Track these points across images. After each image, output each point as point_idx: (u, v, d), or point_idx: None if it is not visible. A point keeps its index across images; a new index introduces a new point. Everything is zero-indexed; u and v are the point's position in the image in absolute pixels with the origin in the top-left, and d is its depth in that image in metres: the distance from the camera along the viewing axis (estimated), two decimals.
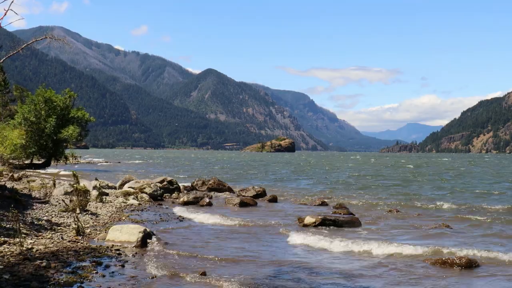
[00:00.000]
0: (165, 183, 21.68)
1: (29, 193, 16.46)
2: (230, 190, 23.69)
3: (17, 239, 9.38)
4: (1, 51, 16.61)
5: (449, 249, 10.15)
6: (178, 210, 16.67)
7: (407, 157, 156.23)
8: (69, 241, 9.96)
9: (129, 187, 20.92)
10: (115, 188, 22.28)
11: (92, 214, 14.07)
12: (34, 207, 13.84)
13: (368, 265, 9.14)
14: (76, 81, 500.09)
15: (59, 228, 11.29)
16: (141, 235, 10.19)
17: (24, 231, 10.21)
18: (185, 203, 18.37)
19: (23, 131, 38.48)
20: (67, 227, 11.55)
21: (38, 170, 38.16)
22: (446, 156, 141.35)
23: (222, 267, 8.63)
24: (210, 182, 23.88)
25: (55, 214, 13.12)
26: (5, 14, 12.84)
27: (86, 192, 14.63)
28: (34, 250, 8.85)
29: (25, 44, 15.38)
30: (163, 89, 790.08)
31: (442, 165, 69.57)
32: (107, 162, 66.12)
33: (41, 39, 15.89)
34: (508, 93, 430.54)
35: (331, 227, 13.23)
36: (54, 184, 19.35)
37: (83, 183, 17.69)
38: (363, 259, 9.70)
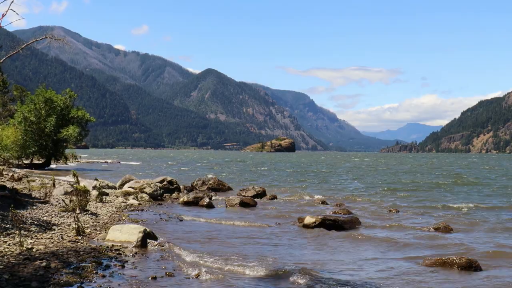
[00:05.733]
0: (165, 183, 21.67)
1: (29, 193, 16.44)
2: (230, 190, 23.69)
3: (17, 239, 9.38)
4: (1, 51, 16.59)
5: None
6: (178, 210, 16.67)
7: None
8: (69, 241, 9.95)
9: (129, 187, 20.90)
10: (115, 188, 22.26)
11: (92, 214, 14.06)
12: (34, 207, 13.83)
13: None
14: (76, 81, 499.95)
15: (59, 228, 11.28)
16: (141, 235, 10.18)
17: (24, 231, 10.20)
18: (185, 203, 18.36)
19: (17, 130, 38.43)
20: (67, 227, 11.53)
21: (38, 171, 38.10)
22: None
23: (221, 267, 8.62)
24: (210, 182, 23.87)
25: (55, 214, 13.11)
26: (5, 14, 12.83)
27: (86, 192, 14.62)
28: (34, 250, 8.84)
29: (25, 44, 15.35)
30: (163, 89, 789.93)
31: None
32: (106, 162, 66.06)
33: (41, 39, 15.87)
34: (508, 93, 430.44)
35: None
36: (54, 184, 19.34)
37: (83, 183, 17.67)
38: None
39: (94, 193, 17.48)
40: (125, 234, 10.40)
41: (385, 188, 27.08)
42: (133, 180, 22.76)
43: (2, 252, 8.49)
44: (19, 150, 38.81)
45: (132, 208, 16.43)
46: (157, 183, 20.98)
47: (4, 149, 37.54)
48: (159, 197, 19.77)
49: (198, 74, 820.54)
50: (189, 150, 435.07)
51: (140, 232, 10.27)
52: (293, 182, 31.63)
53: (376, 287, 7.66)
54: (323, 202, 19.33)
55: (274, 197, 20.30)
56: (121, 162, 66.75)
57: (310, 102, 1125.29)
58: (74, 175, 15.91)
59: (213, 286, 7.45)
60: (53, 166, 44.01)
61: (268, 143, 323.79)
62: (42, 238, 9.99)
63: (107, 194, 18.75)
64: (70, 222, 12.08)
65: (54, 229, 11.03)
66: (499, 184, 31.00)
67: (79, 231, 10.75)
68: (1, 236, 9.61)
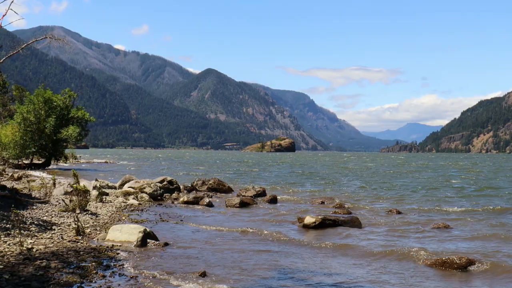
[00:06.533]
0: (165, 183, 21.67)
1: (29, 193, 16.45)
2: (230, 190, 23.70)
3: (17, 239, 9.38)
4: (1, 51, 16.60)
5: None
6: (178, 210, 16.68)
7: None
8: (69, 241, 9.96)
9: (129, 187, 20.89)
10: (115, 188, 22.26)
11: (92, 214, 14.06)
12: (34, 207, 13.83)
13: None
14: (76, 81, 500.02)
15: (59, 228, 11.29)
16: (141, 235, 10.18)
17: (24, 231, 10.21)
18: (185, 203, 18.36)
19: (15, 127, 38.43)
20: (67, 227, 11.54)
21: (38, 171, 38.07)
22: None
23: (220, 267, 8.63)
24: (210, 182, 23.86)
25: (55, 214, 13.11)
26: (5, 14, 12.84)
27: (86, 192, 14.62)
28: (34, 250, 8.85)
29: (25, 44, 15.37)
30: (163, 89, 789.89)
31: None
32: (107, 162, 66.06)
33: (41, 39, 15.89)
34: (508, 93, 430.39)
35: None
36: (54, 184, 19.33)
37: (83, 183, 17.67)
38: None
39: (94, 193, 17.48)
40: (125, 234, 10.40)
41: (385, 188, 27.06)
42: (133, 180, 22.75)
43: (2, 252, 8.49)
44: (18, 150, 38.79)
45: (132, 208, 16.43)
46: (157, 183, 20.97)
47: (3, 148, 37.52)
48: (159, 197, 19.76)
49: (198, 74, 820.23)
50: (189, 150, 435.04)
51: (140, 232, 10.28)
52: (293, 182, 31.62)
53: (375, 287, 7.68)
54: (323, 202, 19.33)
55: (274, 197, 20.29)
56: (121, 162, 66.76)
57: (310, 102, 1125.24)
58: (74, 175, 15.92)
59: (213, 286, 7.46)
60: (53, 166, 44.01)
61: (268, 143, 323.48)
62: (42, 238, 9.99)
63: (107, 194, 18.75)
64: (70, 222, 12.08)
65: (54, 229, 11.03)
66: (502, 185, 30.98)
67: (79, 231, 10.75)
68: (1, 236, 9.62)
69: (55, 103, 40.54)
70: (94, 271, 7.73)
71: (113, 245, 9.94)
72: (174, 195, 20.81)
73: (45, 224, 11.50)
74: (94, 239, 10.56)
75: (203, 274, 7.93)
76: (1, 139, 37.03)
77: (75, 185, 15.11)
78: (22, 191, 16.84)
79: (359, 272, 8.58)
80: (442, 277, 8.32)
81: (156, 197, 19.51)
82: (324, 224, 13.14)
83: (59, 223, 11.94)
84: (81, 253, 8.95)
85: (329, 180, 34.43)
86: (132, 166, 53.98)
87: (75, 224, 11.06)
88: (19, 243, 9.07)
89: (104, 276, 7.53)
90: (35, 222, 11.47)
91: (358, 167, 61.34)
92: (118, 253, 9.21)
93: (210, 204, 17.99)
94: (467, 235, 12.37)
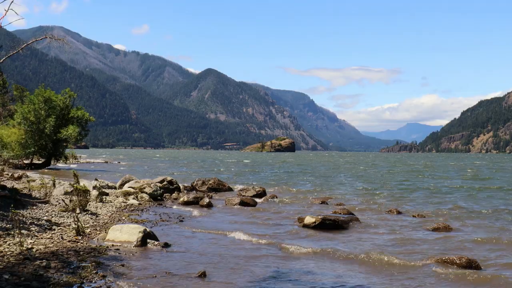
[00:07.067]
0: (165, 183, 21.67)
1: (29, 193, 16.45)
2: (230, 190, 23.70)
3: (17, 239, 9.38)
4: (1, 51, 16.60)
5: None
6: (178, 210, 16.68)
7: None
8: (69, 241, 9.95)
9: (129, 187, 20.88)
10: (115, 188, 22.26)
11: (92, 214, 14.06)
12: (34, 207, 13.83)
13: None
14: (76, 81, 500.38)
15: (59, 228, 11.28)
16: (141, 235, 10.18)
17: (24, 231, 10.21)
18: (185, 203, 18.36)
19: (20, 129, 38.45)
20: (67, 227, 11.53)
21: (38, 171, 38.04)
22: None
23: (221, 268, 8.62)
24: (210, 182, 23.86)
25: (55, 214, 13.11)
26: (5, 14, 12.84)
27: (86, 192, 14.62)
28: (34, 250, 8.85)
29: (25, 44, 15.39)
30: (163, 89, 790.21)
31: None
32: (107, 162, 66.08)
33: (41, 39, 15.90)
34: (508, 93, 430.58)
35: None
36: (54, 184, 19.32)
37: (83, 183, 17.67)
38: None
39: (94, 193, 17.47)
40: (125, 234, 10.40)
41: (386, 189, 27.05)
42: (133, 180, 22.74)
43: (2, 252, 8.49)
44: (20, 150, 38.80)
45: (132, 208, 16.43)
46: (157, 183, 20.97)
47: (5, 148, 37.51)
48: (159, 197, 19.75)
49: (198, 74, 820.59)
50: (189, 150, 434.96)
51: (140, 232, 10.28)
52: (293, 182, 31.62)
53: None
54: (323, 202, 19.32)
55: (274, 197, 20.30)
56: (121, 162, 66.76)
57: (310, 102, 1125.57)
58: (74, 175, 15.92)
59: (213, 287, 7.46)
60: (53, 166, 44.01)
61: (268, 143, 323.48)
62: (42, 238, 9.99)
63: (107, 194, 18.74)
64: (70, 222, 12.08)
65: (54, 229, 11.03)
66: (503, 186, 30.97)
67: (79, 231, 10.75)
68: (2, 236, 9.61)
69: (54, 103, 40.53)
70: (94, 271, 7.72)
71: (113, 245, 9.94)
72: (174, 195, 20.81)
73: (45, 224, 11.50)
74: (94, 239, 10.55)
75: (203, 275, 7.93)
76: (2, 139, 37.01)
77: (75, 185, 15.11)
78: (22, 191, 16.84)
79: (364, 274, 8.56)
80: (442, 277, 8.31)
81: (156, 197, 19.50)
82: (324, 224, 13.14)
83: (59, 223, 11.94)
84: (81, 253, 8.95)
85: (329, 180, 34.42)
86: (132, 166, 54.00)
87: (75, 224, 11.05)
88: (19, 243, 9.06)
89: (104, 276, 7.53)
90: (35, 222, 11.47)
91: (358, 167, 61.33)
92: (118, 253, 9.21)
93: (210, 204, 17.99)
94: (468, 235, 12.36)
